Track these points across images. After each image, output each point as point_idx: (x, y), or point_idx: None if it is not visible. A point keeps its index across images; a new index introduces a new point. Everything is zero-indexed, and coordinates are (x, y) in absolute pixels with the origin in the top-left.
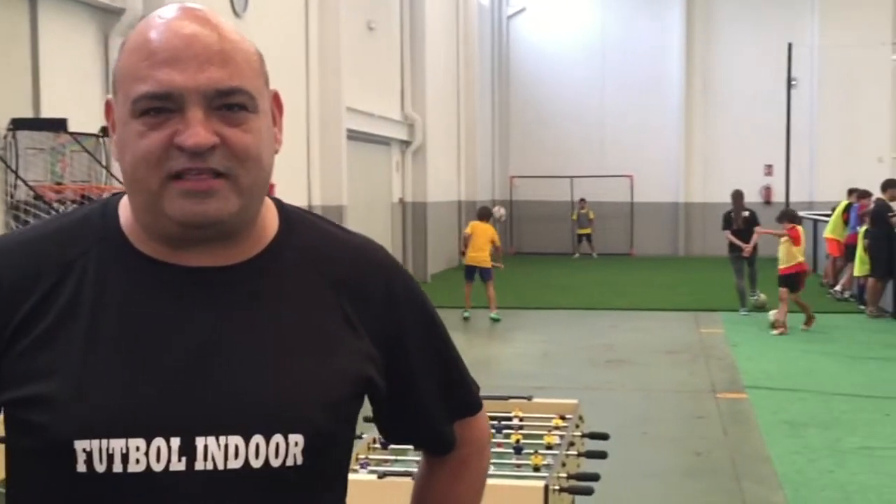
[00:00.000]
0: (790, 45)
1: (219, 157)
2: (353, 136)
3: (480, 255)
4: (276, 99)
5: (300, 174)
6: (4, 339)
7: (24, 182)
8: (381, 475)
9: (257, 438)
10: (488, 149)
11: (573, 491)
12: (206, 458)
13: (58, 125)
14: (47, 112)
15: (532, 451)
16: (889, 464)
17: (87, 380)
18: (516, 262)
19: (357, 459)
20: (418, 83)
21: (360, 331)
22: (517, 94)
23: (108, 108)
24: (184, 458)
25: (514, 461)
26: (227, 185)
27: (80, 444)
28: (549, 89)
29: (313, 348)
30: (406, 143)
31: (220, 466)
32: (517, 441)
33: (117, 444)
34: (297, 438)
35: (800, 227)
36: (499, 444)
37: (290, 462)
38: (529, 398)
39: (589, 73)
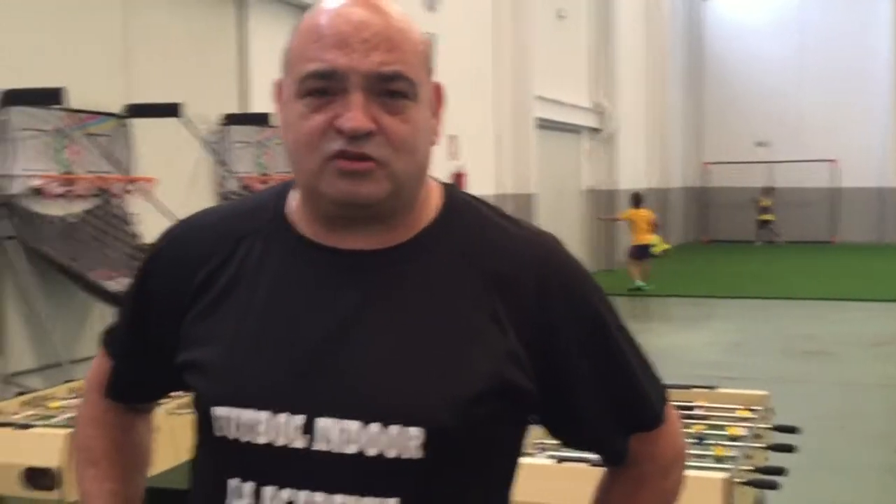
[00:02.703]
0: None
1: (374, 144)
2: (543, 124)
3: (646, 236)
4: (437, 91)
5: (490, 163)
6: (183, 305)
7: (232, 174)
8: (560, 460)
9: (374, 426)
10: (680, 134)
11: (756, 484)
12: (324, 439)
13: (262, 120)
14: (255, 108)
15: (714, 441)
16: None
17: (231, 351)
18: (709, 250)
19: (535, 444)
20: (608, 70)
21: (507, 327)
22: (711, 77)
23: (278, 89)
24: (305, 437)
25: (695, 452)
26: (379, 170)
27: (217, 411)
28: (744, 72)
29: (449, 341)
30: (596, 131)
31: (336, 449)
32: (698, 432)
33: (246, 415)
34: (416, 432)
35: None
36: None
37: (406, 455)
38: (713, 388)
39: (786, 54)
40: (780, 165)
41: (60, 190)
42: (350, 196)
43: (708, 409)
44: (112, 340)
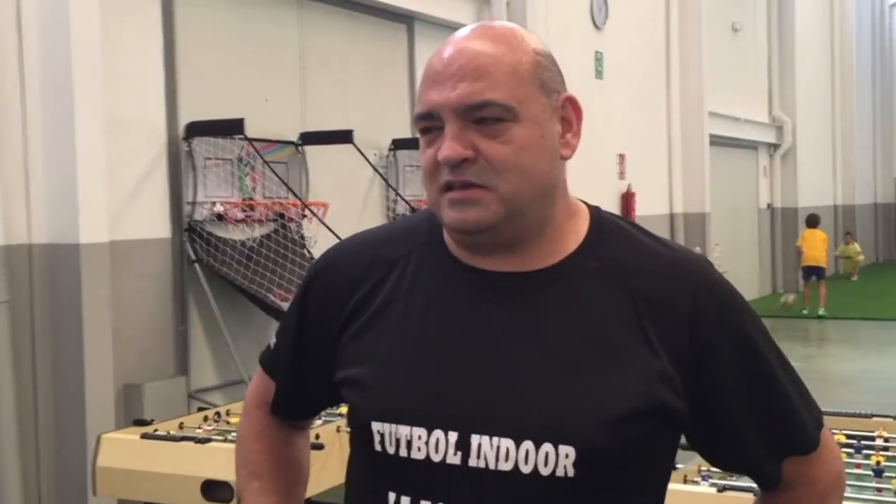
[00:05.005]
0: None
1: (475, 170)
2: (716, 141)
3: (816, 254)
4: (571, 104)
5: (661, 182)
6: (340, 326)
7: (402, 198)
8: (721, 489)
9: (527, 444)
10: (869, 148)
11: None
12: (478, 456)
13: None
14: None
15: (895, 474)
16: None
17: (387, 368)
18: None
19: (699, 471)
20: (787, 83)
21: (658, 349)
22: None
23: None
24: (459, 453)
25: (873, 484)
26: (487, 194)
27: (375, 426)
28: None
29: (599, 362)
30: (774, 147)
31: (492, 466)
32: (878, 463)
33: (403, 431)
34: (567, 450)
35: None
36: (857, 466)
37: (560, 473)
38: None
39: None
40: None
41: (241, 215)
42: (460, 224)
43: (889, 439)
44: (274, 362)
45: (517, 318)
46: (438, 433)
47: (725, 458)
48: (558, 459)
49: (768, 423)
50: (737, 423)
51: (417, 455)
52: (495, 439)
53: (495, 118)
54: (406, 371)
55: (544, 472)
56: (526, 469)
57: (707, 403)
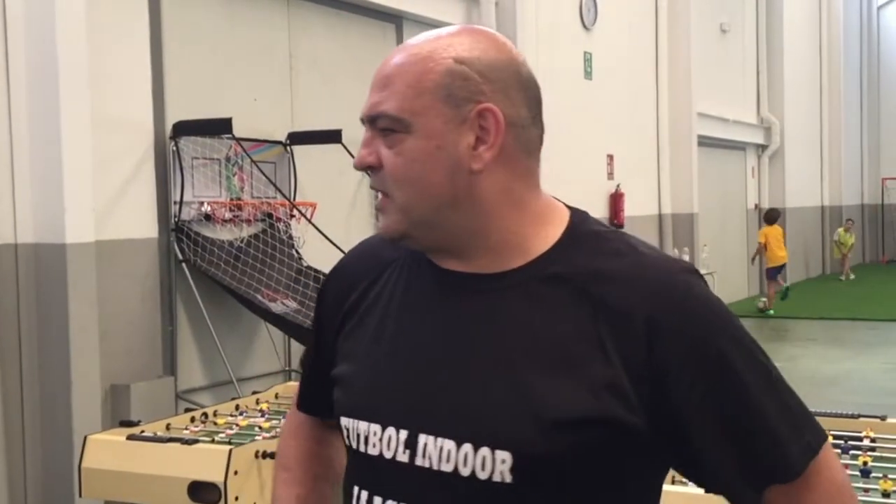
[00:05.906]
0: None
1: (379, 177)
2: (705, 142)
3: (783, 253)
4: (491, 115)
5: (650, 183)
6: (338, 325)
7: None
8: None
9: (466, 447)
10: (856, 149)
11: None
12: (424, 455)
13: None
14: None
15: (881, 475)
16: None
17: (360, 366)
18: (888, 271)
19: None
20: (776, 84)
21: (613, 359)
22: (889, 88)
23: None
24: (407, 451)
25: (860, 485)
26: (389, 203)
27: (344, 422)
28: None
29: (546, 367)
30: (762, 147)
31: (435, 466)
32: (865, 463)
33: (363, 427)
34: (504, 456)
35: None
36: (845, 466)
37: (497, 478)
38: (883, 418)
39: None
40: None
41: (229, 215)
42: (378, 229)
43: (876, 439)
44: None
45: (472, 318)
46: (391, 430)
47: (698, 480)
48: (495, 465)
49: (739, 447)
50: (703, 445)
51: (373, 451)
52: (439, 440)
53: (389, 129)
54: (372, 369)
55: (482, 476)
56: (465, 472)
57: (671, 424)
